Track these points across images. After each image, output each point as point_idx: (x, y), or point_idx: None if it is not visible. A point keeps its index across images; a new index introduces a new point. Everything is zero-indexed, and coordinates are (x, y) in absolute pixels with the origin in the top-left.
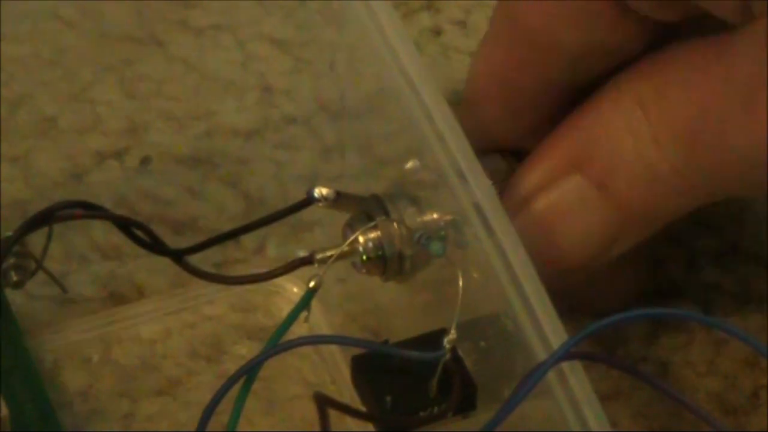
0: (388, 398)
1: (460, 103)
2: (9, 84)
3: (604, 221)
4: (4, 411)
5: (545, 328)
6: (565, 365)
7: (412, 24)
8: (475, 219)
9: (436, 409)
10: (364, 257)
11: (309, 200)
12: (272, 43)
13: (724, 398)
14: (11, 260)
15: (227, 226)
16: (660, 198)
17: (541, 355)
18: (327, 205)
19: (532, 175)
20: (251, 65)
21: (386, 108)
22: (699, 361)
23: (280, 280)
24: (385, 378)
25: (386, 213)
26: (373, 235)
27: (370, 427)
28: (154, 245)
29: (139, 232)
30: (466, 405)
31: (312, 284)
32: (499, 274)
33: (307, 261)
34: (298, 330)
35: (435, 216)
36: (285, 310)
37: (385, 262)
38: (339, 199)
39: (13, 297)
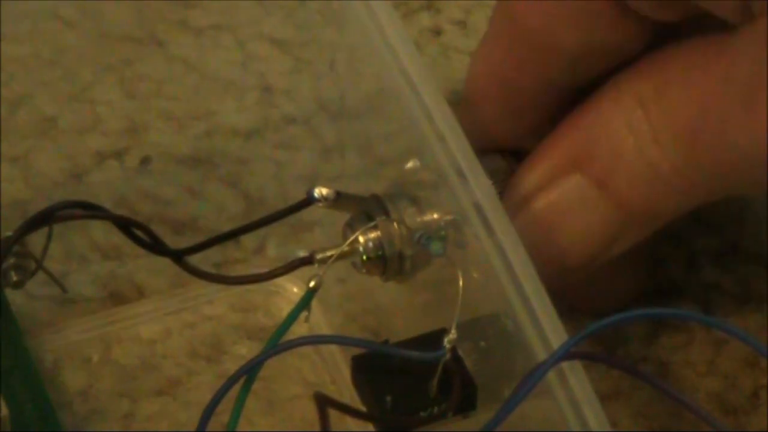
0: (388, 398)
1: (460, 103)
2: (9, 84)
3: (605, 220)
4: (4, 411)
5: (545, 328)
6: (565, 365)
7: (412, 24)
8: (475, 219)
9: (436, 409)
10: (364, 257)
11: (309, 200)
12: (272, 43)
13: (724, 398)
14: (11, 260)
15: (227, 226)
16: (660, 197)
17: (541, 355)
18: (327, 205)
19: (532, 175)
20: (251, 65)
21: (386, 108)
22: (699, 361)
23: (280, 280)
24: (385, 378)
25: (386, 213)
26: (373, 235)
27: (370, 427)
28: (154, 245)
29: (139, 232)
30: (466, 405)
31: (312, 284)
32: (499, 274)
33: (307, 261)
34: (298, 330)
35: (435, 216)
36: (285, 310)
37: (385, 262)
38: (339, 199)
39: (13, 297)
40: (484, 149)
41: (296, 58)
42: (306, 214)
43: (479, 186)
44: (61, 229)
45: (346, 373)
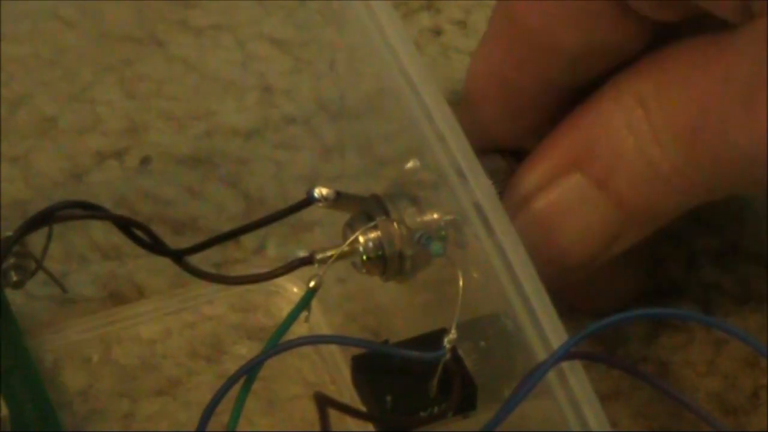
0: (389, 398)
1: (460, 103)
2: (9, 84)
3: (605, 220)
4: (4, 411)
5: (545, 328)
6: (565, 365)
7: (412, 24)
8: (475, 219)
9: (436, 409)
10: (364, 257)
11: (309, 200)
12: (272, 43)
13: (724, 398)
14: (11, 260)
15: (227, 226)
16: (660, 196)
17: (541, 355)
18: (327, 205)
19: (532, 175)
20: (251, 65)
21: (386, 108)
22: (699, 361)
23: (280, 280)
24: (385, 378)
25: (386, 213)
26: (373, 235)
27: (370, 427)
28: (154, 245)
29: (139, 232)
30: (466, 405)
31: (312, 284)
32: (499, 274)
33: (307, 261)
34: (298, 330)
35: (435, 216)
36: (285, 310)
37: (385, 262)
38: (339, 199)
39: (13, 297)
40: (484, 149)
41: (296, 58)
42: (306, 214)
43: (479, 186)
44: (61, 229)
45: (346, 373)
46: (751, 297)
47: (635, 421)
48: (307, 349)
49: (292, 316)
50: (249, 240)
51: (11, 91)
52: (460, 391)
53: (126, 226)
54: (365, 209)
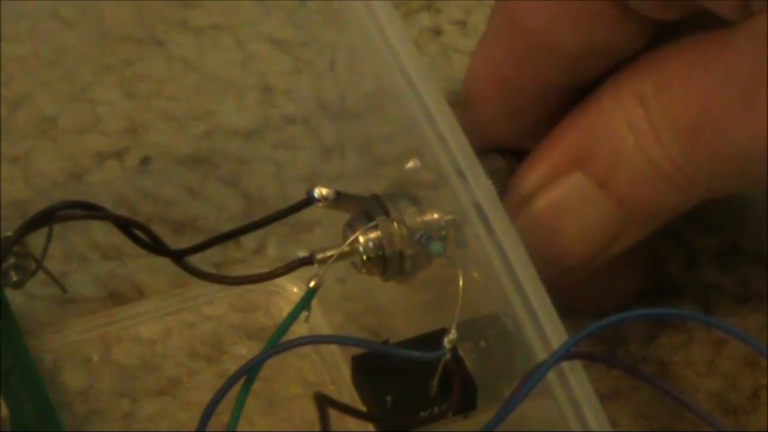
0: (389, 398)
1: (459, 103)
2: (9, 84)
3: (605, 219)
4: (4, 411)
5: (545, 328)
6: (565, 365)
7: (412, 24)
8: (475, 219)
9: (436, 409)
10: (365, 257)
11: (309, 200)
12: (272, 43)
13: (724, 398)
14: (11, 260)
15: (227, 226)
16: (661, 195)
17: (541, 355)
18: (327, 205)
19: (533, 174)
20: (251, 65)
21: (386, 108)
22: (699, 361)
23: (280, 280)
24: (386, 378)
25: (386, 213)
26: (373, 235)
27: (370, 427)
28: (154, 245)
29: (139, 233)
30: (466, 405)
31: (312, 284)
32: (499, 274)
33: (307, 261)
34: (298, 330)
35: (435, 216)
36: (285, 310)
37: (386, 262)
38: (339, 199)
39: (13, 297)
40: (484, 149)
41: (296, 58)
42: (306, 214)
43: (479, 186)
44: (61, 229)
45: (346, 373)
46: (751, 297)
47: (635, 421)
48: (307, 349)
49: (292, 316)
50: (249, 240)
51: (11, 91)
52: (460, 391)
53: (126, 226)
54: (365, 209)
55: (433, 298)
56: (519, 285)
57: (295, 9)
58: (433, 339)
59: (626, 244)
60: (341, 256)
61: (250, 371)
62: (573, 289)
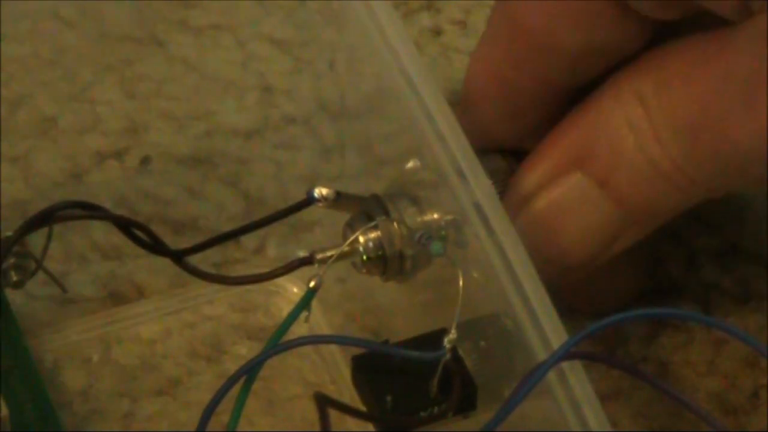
0: (389, 398)
1: (459, 103)
2: (9, 84)
3: (606, 219)
4: (4, 411)
5: (545, 328)
6: (565, 365)
7: (412, 24)
8: (476, 219)
9: (436, 409)
10: (365, 257)
11: (309, 200)
12: (272, 43)
13: (724, 398)
14: (11, 260)
15: (227, 226)
16: (661, 194)
17: (541, 355)
18: (327, 205)
19: (533, 174)
20: (251, 65)
21: (386, 108)
22: (699, 361)
23: (280, 280)
24: (386, 378)
25: (386, 213)
26: (373, 235)
27: (370, 427)
28: (154, 245)
29: (139, 233)
30: (466, 405)
31: (312, 284)
32: (499, 274)
33: (307, 261)
34: (298, 330)
35: (435, 216)
36: (285, 310)
37: (386, 262)
38: (339, 199)
39: (13, 297)
40: (484, 149)
41: (296, 58)
42: (306, 214)
43: (479, 186)
44: (61, 229)
45: (346, 373)
46: (751, 297)
47: (635, 421)
48: (307, 349)
49: (292, 316)
50: (249, 240)
51: (11, 91)
52: (460, 391)
53: (126, 226)
54: (365, 209)
55: (433, 298)
56: (519, 285)
57: (295, 9)
58: (433, 339)
59: (626, 244)
60: (341, 256)
61: (250, 371)
62: (573, 289)
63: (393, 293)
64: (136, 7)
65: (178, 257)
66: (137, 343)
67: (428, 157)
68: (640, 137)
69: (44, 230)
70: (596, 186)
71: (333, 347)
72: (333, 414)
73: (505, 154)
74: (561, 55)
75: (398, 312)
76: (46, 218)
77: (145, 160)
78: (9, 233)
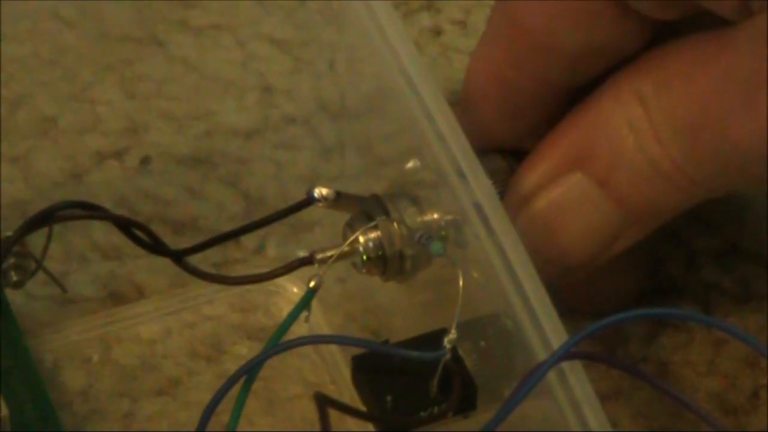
0: (389, 398)
1: (459, 103)
2: (9, 84)
3: (606, 218)
4: (4, 411)
5: (545, 328)
6: (565, 365)
7: (412, 24)
8: (476, 219)
9: (436, 409)
10: (365, 257)
11: (309, 200)
12: (272, 43)
13: (724, 398)
14: (11, 260)
15: (227, 226)
16: (661, 194)
17: (541, 355)
18: (327, 205)
19: (533, 174)
20: (251, 65)
21: (386, 108)
22: (699, 361)
23: (280, 280)
24: (386, 378)
25: (386, 213)
26: (373, 235)
27: (370, 427)
28: (154, 245)
29: (139, 233)
30: (466, 405)
31: (312, 284)
32: (499, 274)
33: (307, 261)
34: (298, 330)
35: (435, 216)
36: (285, 310)
37: (386, 262)
38: (339, 199)
39: (13, 297)
40: (484, 149)
41: (296, 58)
42: (306, 214)
43: (479, 186)
44: (61, 229)
45: (346, 373)
46: (751, 297)
47: (635, 421)
48: (307, 349)
49: (292, 316)
50: (249, 240)
51: (11, 91)
52: (460, 391)
53: (126, 226)
54: (365, 209)
55: (433, 298)
56: (519, 285)
57: (295, 9)
58: (433, 339)
59: (626, 244)
60: (341, 256)
61: (250, 371)
62: (573, 289)
63: (393, 293)
64: (136, 7)
65: (178, 257)
66: (137, 343)
67: (428, 157)
68: (640, 137)
69: (44, 230)
70: (596, 186)
71: (333, 347)
72: (333, 414)
73: (505, 154)
74: (561, 55)
75: (398, 312)
76: (46, 218)
77: (145, 160)
78: (9, 233)
